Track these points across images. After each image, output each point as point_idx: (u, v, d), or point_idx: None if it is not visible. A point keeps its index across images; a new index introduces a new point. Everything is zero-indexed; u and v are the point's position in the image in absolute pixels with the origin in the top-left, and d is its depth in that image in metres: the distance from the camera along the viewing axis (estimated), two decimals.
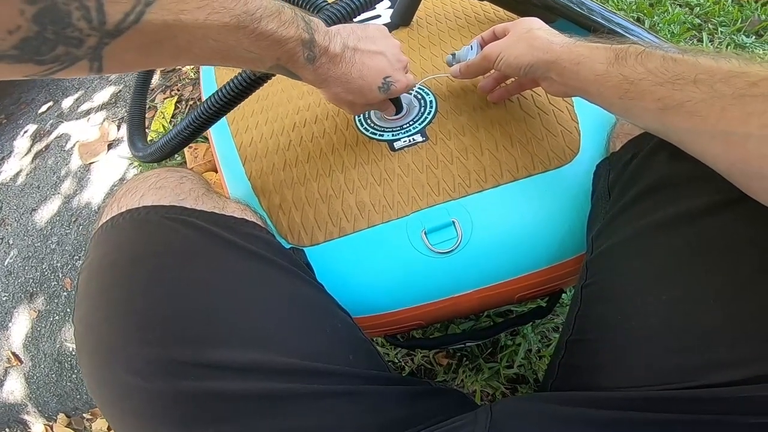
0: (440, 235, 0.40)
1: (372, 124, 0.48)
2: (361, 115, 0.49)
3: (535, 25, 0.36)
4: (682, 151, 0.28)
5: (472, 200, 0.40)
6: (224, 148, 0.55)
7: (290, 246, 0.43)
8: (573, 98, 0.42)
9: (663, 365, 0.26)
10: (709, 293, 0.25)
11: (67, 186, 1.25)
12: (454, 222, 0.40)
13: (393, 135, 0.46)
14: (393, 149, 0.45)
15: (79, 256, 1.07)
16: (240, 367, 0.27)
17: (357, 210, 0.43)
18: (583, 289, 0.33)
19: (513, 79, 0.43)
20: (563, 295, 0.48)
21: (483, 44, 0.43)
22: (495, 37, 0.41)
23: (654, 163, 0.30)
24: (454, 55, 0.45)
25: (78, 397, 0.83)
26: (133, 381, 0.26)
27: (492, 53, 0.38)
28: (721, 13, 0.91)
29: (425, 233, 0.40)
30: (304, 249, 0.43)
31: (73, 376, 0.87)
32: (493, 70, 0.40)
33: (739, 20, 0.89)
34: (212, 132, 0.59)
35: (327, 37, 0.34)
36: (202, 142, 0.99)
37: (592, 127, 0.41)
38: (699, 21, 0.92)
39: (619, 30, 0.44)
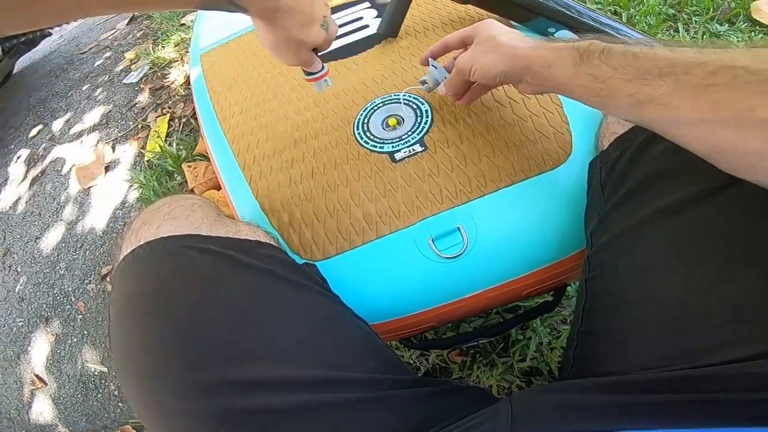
0: (447, 241, 0.43)
1: (372, 137, 0.51)
2: (360, 128, 0.52)
3: (496, 30, 0.38)
4: (667, 147, 0.31)
5: (474, 206, 0.43)
6: (228, 169, 0.57)
7: (303, 261, 0.46)
8: (562, 99, 0.45)
9: (665, 349, 0.28)
10: (704, 279, 0.26)
11: (68, 212, 1.28)
12: (459, 228, 0.42)
13: (393, 147, 0.49)
14: (394, 160, 0.48)
15: (90, 280, 1.10)
16: (266, 383, 0.30)
17: (365, 222, 0.46)
18: (587, 282, 0.36)
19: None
20: (568, 288, 0.51)
21: (434, 56, 0.45)
22: (444, 50, 0.44)
23: (641, 160, 0.32)
24: (424, 82, 0.48)
25: (106, 415, 0.87)
26: (178, 404, 0.29)
27: (465, 67, 0.39)
28: (694, 2, 0.94)
29: (432, 240, 0.43)
30: (317, 263, 0.45)
31: (99, 395, 0.91)
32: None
33: (711, 9, 0.92)
34: (213, 152, 0.62)
35: None
36: (201, 160, 1.02)
37: (582, 126, 0.43)
38: (673, 11, 0.95)
39: (596, 26, 0.47)
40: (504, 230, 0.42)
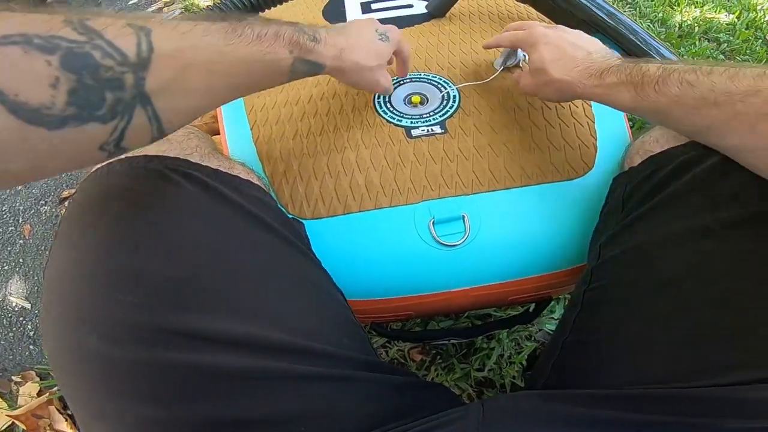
0: (448, 228, 0.37)
1: (392, 108, 0.44)
2: (382, 99, 0.46)
3: (545, 57, 0.35)
4: (702, 174, 0.28)
5: (483, 198, 0.38)
6: (231, 109, 0.49)
7: (291, 216, 0.38)
8: (595, 114, 0.40)
9: (660, 369, 0.25)
10: (709, 305, 0.24)
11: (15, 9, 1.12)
12: (463, 216, 0.37)
13: (411, 122, 0.43)
14: (410, 136, 0.42)
15: (46, 201, 0.95)
16: (231, 340, 0.23)
17: (365, 189, 0.39)
18: (585, 292, 0.32)
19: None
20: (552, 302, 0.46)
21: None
22: (497, 45, 0.42)
23: (675, 180, 0.29)
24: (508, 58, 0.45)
25: (10, 357, 0.72)
26: (101, 347, 0.21)
27: (529, 93, 0.38)
28: (748, 51, 0.89)
29: (433, 223, 0.37)
30: (305, 221, 0.38)
31: (11, 334, 0.75)
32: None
33: (764, 60, 0.87)
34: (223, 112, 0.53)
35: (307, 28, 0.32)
36: None
37: (610, 145, 0.39)
38: (724, 57, 0.90)
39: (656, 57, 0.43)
40: (508, 229, 0.37)
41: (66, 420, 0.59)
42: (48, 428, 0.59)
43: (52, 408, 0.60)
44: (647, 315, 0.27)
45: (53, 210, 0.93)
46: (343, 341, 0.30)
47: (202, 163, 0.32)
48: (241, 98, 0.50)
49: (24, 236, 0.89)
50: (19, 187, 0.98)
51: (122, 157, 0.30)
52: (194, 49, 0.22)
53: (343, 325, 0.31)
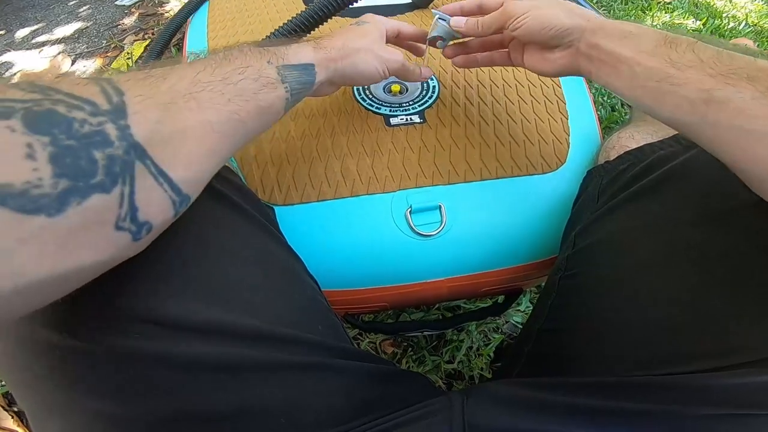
0: (425, 217, 0.36)
1: (370, 95, 0.43)
2: (361, 87, 0.44)
3: None
4: (677, 168, 0.28)
5: (459, 188, 0.37)
6: None
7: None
8: (569, 111, 0.41)
9: (634, 355, 0.25)
10: (683, 292, 0.24)
11: None
12: (440, 206, 0.36)
13: (390, 111, 0.42)
14: (388, 124, 0.41)
15: None
16: (196, 327, 0.21)
17: (341, 176, 0.38)
18: (560, 280, 0.32)
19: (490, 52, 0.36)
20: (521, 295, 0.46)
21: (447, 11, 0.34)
22: (477, 11, 0.33)
23: (651, 174, 0.30)
24: (436, 39, 0.36)
25: None
26: (50, 336, 0.19)
27: (515, 10, 0.30)
28: None
29: (410, 212, 0.36)
30: (275, 207, 0.36)
31: None
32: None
33: None
34: None
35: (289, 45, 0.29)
36: None
37: (582, 141, 0.40)
38: None
39: None
40: (483, 220, 0.37)
41: (12, 417, 0.53)
42: None
43: None
44: (621, 303, 0.27)
45: None
46: (318, 328, 0.28)
47: None
48: None
49: None
50: None
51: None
52: (168, 85, 0.19)
53: (317, 312, 0.30)
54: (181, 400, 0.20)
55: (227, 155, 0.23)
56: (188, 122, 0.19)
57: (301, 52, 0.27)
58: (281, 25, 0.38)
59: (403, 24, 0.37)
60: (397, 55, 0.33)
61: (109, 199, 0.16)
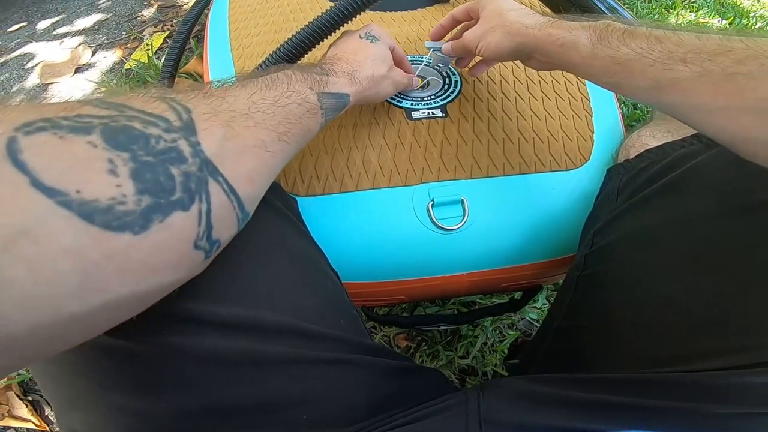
0: (447, 211, 0.36)
1: None
2: None
3: (503, 6, 0.33)
4: (698, 166, 0.28)
5: (482, 183, 0.37)
6: (222, 76, 0.46)
7: None
8: (594, 108, 0.41)
9: (653, 353, 0.25)
10: (703, 290, 0.24)
11: (15, 102, 1.03)
12: (463, 200, 0.36)
13: (412, 104, 0.42)
14: (410, 117, 0.41)
15: None
16: (220, 322, 0.21)
17: (363, 169, 0.38)
18: (579, 278, 0.32)
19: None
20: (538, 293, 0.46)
21: (438, 35, 0.41)
22: (452, 23, 0.40)
23: (670, 173, 0.29)
24: (432, 66, 0.44)
25: None
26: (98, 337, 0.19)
27: (471, 44, 0.35)
28: None
29: (432, 205, 0.36)
30: (298, 198, 0.37)
31: None
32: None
33: None
34: (211, 64, 0.50)
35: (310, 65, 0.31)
36: (186, 78, 0.87)
37: (606, 139, 0.40)
38: None
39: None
40: (505, 216, 0.37)
41: (26, 406, 0.55)
42: (7, 414, 0.54)
43: (10, 393, 0.56)
44: (639, 301, 0.27)
45: None
46: (340, 322, 0.28)
47: None
48: (232, 65, 0.48)
49: None
50: None
51: None
52: (227, 104, 0.20)
53: (340, 306, 0.30)
54: (204, 394, 0.20)
55: (274, 175, 0.24)
56: (248, 140, 0.20)
57: (339, 83, 0.29)
58: (311, 21, 0.38)
59: (398, 48, 0.39)
60: (406, 78, 0.38)
61: (189, 217, 0.16)
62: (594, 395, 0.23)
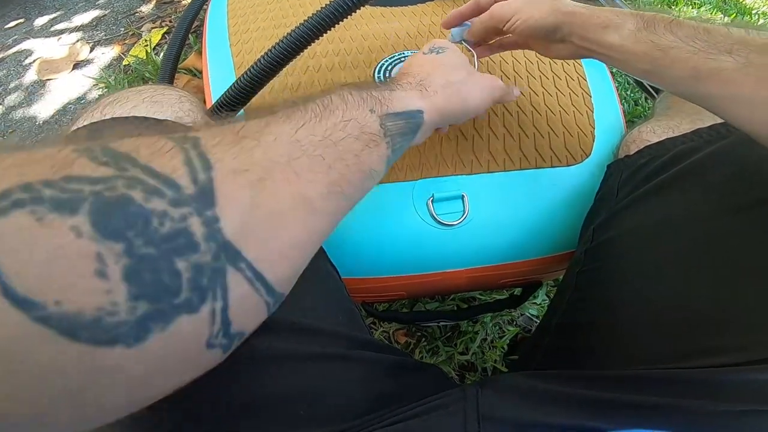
0: (447, 206, 0.36)
1: None
2: (382, 74, 0.44)
3: None
4: (699, 161, 0.28)
5: (482, 179, 0.37)
6: (221, 80, 0.46)
7: None
8: (594, 103, 0.40)
9: (655, 350, 0.25)
10: (705, 286, 0.24)
11: (12, 98, 1.03)
12: (463, 196, 0.36)
13: None
14: None
15: None
16: None
17: None
18: (578, 274, 0.32)
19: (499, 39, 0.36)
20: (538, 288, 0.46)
21: (459, 20, 0.35)
22: (477, 9, 0.34)
23: (671, 169, 0.29)
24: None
25: None
26: None
27: (504, 14, 0.31)
28: None
29: (432, 201, 0.36)
30: None
31: None
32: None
33: None
34: (210, 60, 0.50)
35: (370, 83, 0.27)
36: (185, 73, 0.86)
37: (607, 134, 0.39)
38: None
39: None
40: (506, 212, 0.37)
41: None
42: None
43: None
44: (641, 297, 0.27)
45: None
46: (338, 318, 0.28)
47: None
48: (230, 60, 0.47)
49: None
50: None
51: (108, 118, 0.27)
52: (263, 150, 0.16)
53: (338, 301, 0.30)
54: (200, 389, 0.19)
55: (322, 240, 0.19)
56: (285, 202, 0.16)
57: (407, 98, 0.24)
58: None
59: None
60: (496, 81, 0.31)
61: (198, 319, 0.13)
62: (594, 392, 0.23)
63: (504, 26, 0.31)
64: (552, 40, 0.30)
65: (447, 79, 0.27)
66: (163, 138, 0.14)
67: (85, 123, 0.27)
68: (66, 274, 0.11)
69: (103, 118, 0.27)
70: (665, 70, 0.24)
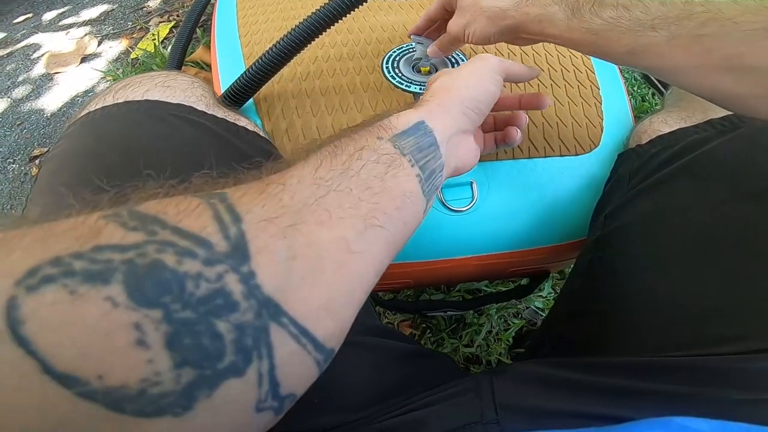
0: (456, 192, 0.36)
1: (399, 74, 0.43)
2: (389, 64, 0.44)
3: None
4: (712, 151, 0.28)
5: (491, 166, 0.37)
6: (230, 63, 0.46)
7: None
8: (603, 96, 0.40)
9: (666, 338, 0.25)
10: (717, 275, 0.24)
11: (20, 91, 1.03)
12: (471, 182, 0.36)
13: (421, 89, 0.41)
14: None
15: (14, 159, 0.88)
16: None
17: None
18: (590, 263, 0.31)
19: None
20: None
21: (418, 32, 0.39)
22: (428, 22, 0.38)
23: (683, 157, 0.29)
24: (419, 58, 0.43)
25: None
26: None
27: (458, 34, 0.33)
28: None
29: (441, 187, 0.35)
30: None
31: None
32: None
33: None
34: (219, 51, 0.50)
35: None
36: (192, 66, 0.87)
37: (615, 126, 0.39)
38: None
39: None
40: (514, 199, 0.37)
41: None
42: None
43: None
44: (653, 284, 0.27)
45: (22, 168, 0.86)
46: None
47: (208, 112, 0.30)
48: (240, 51, 0.47)
49: None
50: None
51: (120, 101, 0.27)
52: (290, 193, 0.15)
53: None
54: None
55: (367, 287, 0.17)
56: (323, 247, 0.15)
57: (403, 116, 0.23)
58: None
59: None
60: (492, 57, 0.29)
61: (245, 382, 0.13)
62: (619, 380, 0.23)
63: (463, 41, 0.33)
64: (507, 40, 0.32)
65: (435, 85, 0.27)
66: (189, 196, 0.14)
67: (97, 107, 0.28)
68: (106, 347, 0.11)
69: (116, 102, 0.27)
70: (605, 49, 0.26)
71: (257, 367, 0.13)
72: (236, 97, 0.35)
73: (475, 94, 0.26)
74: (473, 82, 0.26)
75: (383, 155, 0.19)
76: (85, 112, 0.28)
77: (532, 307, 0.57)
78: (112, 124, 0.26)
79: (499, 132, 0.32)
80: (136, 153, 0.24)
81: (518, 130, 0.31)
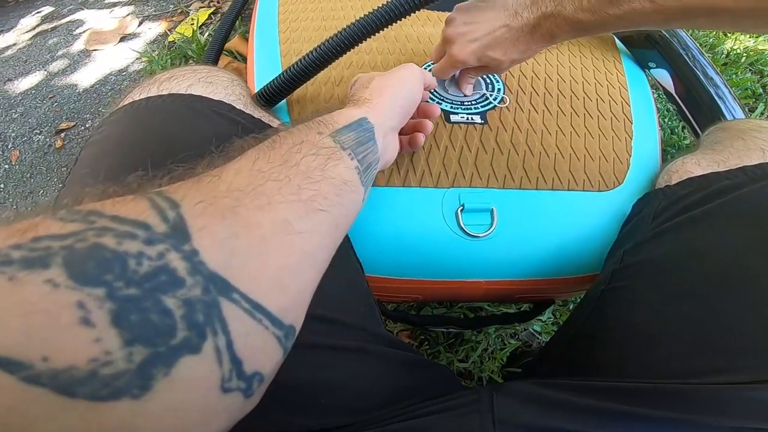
0: (475, 218, 0.35)
1: (432, 90, 0.42)
2: None
3: (462, 30, 0.33)
4: (744, 196, 0.27)
5: (513, 194, 0.36)
6: (266, 68, 0.45)
7: None
8: (635, 131, 0.39)
9: (667, 369, 0.24)
10: (725, 314, 0.24)
11: (58, 65, 1.03)
12: (492, 209, 0.35)
13: (452, 107, 0.40)
14: (448, 120, 0.39)
15: (41, 131, 0.88)
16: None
17: (395, 165, 0.37)
18: (604, 291, 0.31)
19: None
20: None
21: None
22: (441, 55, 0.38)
23: (711, 201, 0.28)
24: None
25: None
26: None
27: (457, 60, 0.34)
28: None
29: (461, 211, 0.35)
30: None
31: None
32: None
33: None
34: (257, 46, 0.49)
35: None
36: (226, 55, 0.86)
37: (643, 164, 0.38)
38: (762, 90, 0.83)
39: (703, 81, 0.42)
40: (532, 229, 0.36)
41: None
42: None
43: None
44: (663, 317, 0.26)
45: (47, 140, 0.87)
46: (360, 310, 0.28)
47: (246, 112, 0.30)
48: (277, 48, 0.47)
49: (10, 161, 0.83)
50: (16, 116, 0.91)
51: (164, 93, 0.27)
52: (227, 184, 0.15)
53: (361, 296, 0.29)
54: None
55: (322, 263, 0.18)
56: (265, 227, 0.15)
57: (345, 112, 0.24)
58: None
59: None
60: (410, 65, 0.31)
61: (203, 358, 0.12)
62: (609, 403, 0.23)
63: (480, 70, 0.36)
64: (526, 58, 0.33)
65: (371, 83, 0.28)
66: (125, 196, 0.14)
67: (141, 96, 0.28)
68: (48, 327, 0.10)
69: (160, 93, 0.27)
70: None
71: (213, 343, 0.12)
72: (272, 97, 0.35)
73: (407, 95, 0.28)
74: (404, 85, 0.28)
75: (323, 149, 0.20)
76: (129, 100, 0.28)
77: (530, 329, 0.56)
78: (157, 115, 0.27)
79: (406, 136, 0.33)
80: (178, 144, 0.25)
81: (424, 136, 0.32)
